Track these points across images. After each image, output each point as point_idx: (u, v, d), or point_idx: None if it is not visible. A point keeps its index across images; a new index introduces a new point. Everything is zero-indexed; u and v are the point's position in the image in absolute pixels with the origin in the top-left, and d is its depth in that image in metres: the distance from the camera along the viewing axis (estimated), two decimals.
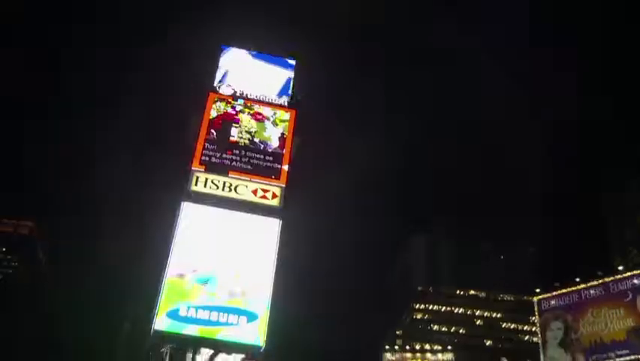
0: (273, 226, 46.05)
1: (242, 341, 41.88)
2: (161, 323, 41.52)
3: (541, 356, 58.42)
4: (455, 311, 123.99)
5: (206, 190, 45.77)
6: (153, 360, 42.50)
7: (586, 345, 55.69)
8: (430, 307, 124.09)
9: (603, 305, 56.77)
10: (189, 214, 45.01)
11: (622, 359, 51.63)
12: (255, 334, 42.10)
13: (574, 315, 58.08)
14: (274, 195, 47.09)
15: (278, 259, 45.60)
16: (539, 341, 60.08)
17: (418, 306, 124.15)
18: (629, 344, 52.87)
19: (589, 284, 58.97)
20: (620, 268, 61.62)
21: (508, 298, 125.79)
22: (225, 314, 42.33)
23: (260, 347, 42.13)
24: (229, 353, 42.28)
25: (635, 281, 56.68)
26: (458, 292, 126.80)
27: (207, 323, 41.93)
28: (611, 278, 58.24)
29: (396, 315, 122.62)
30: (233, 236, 45.27)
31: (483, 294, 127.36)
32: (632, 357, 51.76)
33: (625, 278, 57.35)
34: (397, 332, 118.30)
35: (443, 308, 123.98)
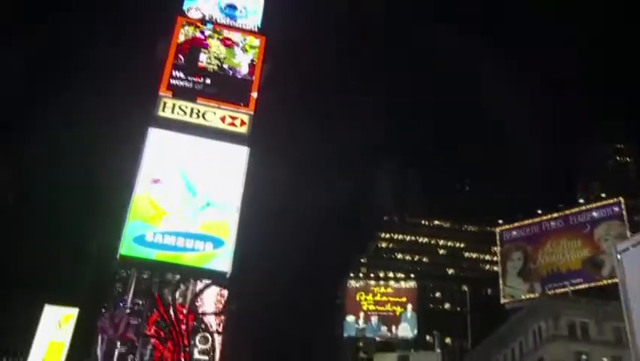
0: (240, 154, 45.98)
1: (207, 267, 42.28)
2: (127, 248, 41.67)
3: (501, 285, 60.17)
4: (419, 241, 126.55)
5: (174, 116, 45.28)
6: (119, 285, 42.78)
7: (543, 274, 57.43)
8: (395, 236, 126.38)
9: (562, 237, 58.33)
10: (156, 140, 44.65)
11: (576, 287, 53.43)
12: (221, 260, 42.50)
13: (534, 246, 59.65)
14: (242, 123, 46.83)
15: (245, 187, 45.75)
16: (499, 271, 61.79)
17: (383, 235, 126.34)
18: (583, 274, 54.67)
19: (550, 216, 60.39)
20: (581, 201, 63.12)
21: (472, 229, 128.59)
22: (192, 240, 42.54)
23: (225, 274, 42.62)
24: (195, 279, 42.71)
25: (594, 214, 58.17)
26: (423, 222, 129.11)
27: (173, 248, 42.15)
28: (571, 211, 59.66)
29: (361, 244, 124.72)
30: (201, 163, 45.15)
31: (447, 224, 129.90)
32: (586, 286, 53.58)
33: (584, 211, 58.82)
34: (362, 260, 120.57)
35: (408, 238, 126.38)
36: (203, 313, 42.37)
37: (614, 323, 42.22)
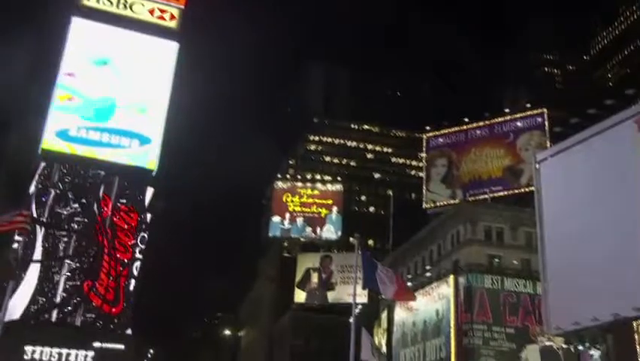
0: (169, 50, 44.71)
1: (133, 164, 41.74)
2: (50, 142, 40.57)
3: (424, 190, 61.73)
4: (348, 144, 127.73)
5: (99, 6, 43.38)
6: (42, 179, 41.82)
7: (465, 181, 59.13)
8: (324, 139, 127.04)
9: (486, 145, 59.82)
10: (79, 31, 42.74)
11: (495, 194, 55.35)
12: (147, 157, 42.00)
13: (458, 153, 61.07)
14: (172, 17, 45.28)
15: (174, 85, 44.75)
16: (424, 176, 63.25)
17: (311, 137, 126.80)
18: (503, 181, 56.55)
19: (475, 125, 61.64)
20: (507, 110, 64.41)
21: (400, 134, 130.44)
22: (117, 136, 41.74)
23: (151, 171, 42.22)
24: (120, 175, 42.18)
25: (518, 124, 59.61)
26: (352, 125, 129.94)
27: (98, 144, 41.33)
28: (496, 120, 60.98)
29: (290, 145, 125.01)
30: (127, 58, 43.71)
31: (376, 129, 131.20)
32: (504, 193, 55.56)
33: (509, 120, 60.18)
34: (290, 162, 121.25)
35: (336, 141, 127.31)
36: (128, 210, 42.17)
37: (527, 229, 44.26)
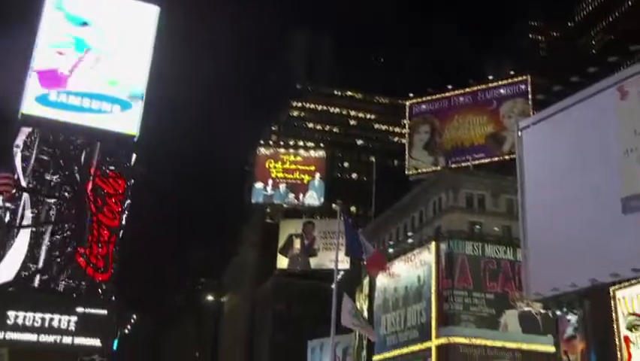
0: (150, 13, 44.05)
1: (114, 130, 41.37)
2: (29, 106, 40.05)
3: (406, 157, 61.86)
4: (331, 111, 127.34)
5: None
6: (24, 145, 41.35)
7: (448, 148, 59.30)
8: (307, 105, 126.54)
9: (469, 112, 59.88)
10: None
11: (478, 162, 55.58)
12: (128, 123, 41.60)
13: (441, 120, 61.11)
14: None
15: (156, 50, 44.19)
16: (406, 143, 63.31)
17: (295, 104, 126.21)
18: (485, 149, 56.78)
19: (459, 92, 61.61)
20: (491, 77, 64.32)
21: (383, 101, 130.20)
22: (98, 101, 41.27)
23: (133, 137, 41.88)
24: (101, 141, 41.78)
25: (502, 91, 59.64)
26: (335, 92, 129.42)
27: (79, 109, 40.87)
28: (480, 87, 60.96)
29: (272, 112, 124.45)
30: (108, 20, 43.02)
31: (359, 95, 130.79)
32: (487, 160, 55.82)
33: (492, 88, 60.18)
34: (273, 128, 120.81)
35: (319, 107, 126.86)
36: (115, 176, 41.93)
37: (508, 196, 44.61)
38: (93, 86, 41.59)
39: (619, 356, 21.59)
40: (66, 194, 41.31)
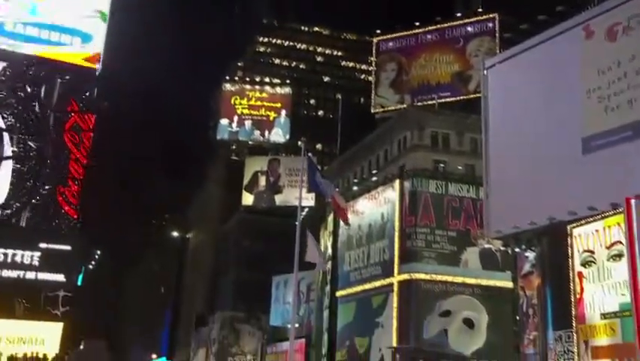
0: None
1: (75, 62, 40.36)
2: None
3: (373, 95, 61.75)
4: (297, 47, 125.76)
5: None
6: None
7: (414, 86, 59.30)
8: (273, 41, 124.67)
9: (436, 50, 59.71)
10: None
11: (443, 100, 55.78)
12: (89, 55, 40.61)
13: (408, 57, 60.86)
14: None
15: None
16: (373, 81, 63.07)
17: (261, 39, 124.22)
18: (451, 87, 56.93)
19: (426, 29, 61.21)
20: (459, 14, 63.91)
21: (350, 38, 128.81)
22: (57, 33, 40.12)
23: (94, 71, 40.97)
24: (61, 76, 40.80)
25: (469, 29, 59.45)
26: (302, 27, 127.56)
27: (37, 40, 39.67)
28: (448, 24, 60.63)
29: (238, 47, 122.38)
30: None
31: (326, 31, 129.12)
32: (452, 99, 56.04)
33: (460, 25, 59.90)
34: (238, 64, 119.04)
35: (286, 43, 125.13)
36: (73, 111, 41.14)
37: (473, 135, 44.96)
38: (52, 16, 40.35)
39: (572, 290, 22.25)
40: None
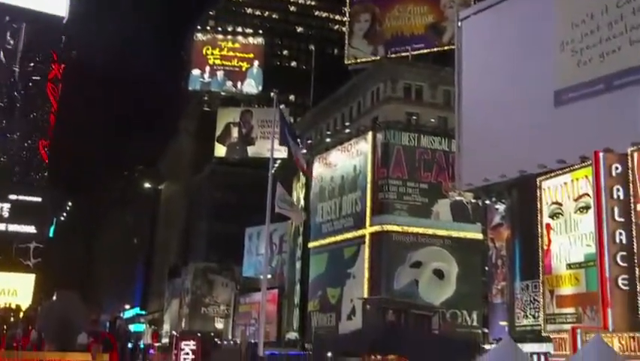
0: None
1: (40, 10, 39.30)
2: None
3: (346, 46, 61.12)
4: None
5: None
6: None
7: (388, 37, 58.67)
8: None
9: (410, 1, 59.00)
10: None
11: (417, 52, 55.37)
12: (56, 4, 39.55)
13: (382, 8, 60.06)
14: None
15: None
16: (346, 31, 62.35)
17: None
18: (425, 39, 56.44)
19: None
20: None
21: None
22: None
23: (62, 18, 39.94)
24: (27, 22, 39.77)
25: None
26: None
27: None
28: None
29: None
30: None
31: None
32: (426, 51, 55.63)
33: None
34: (210, 13, 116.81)
35: None
36: (52, 60, 40.28)
37: (446, 87, 44.83)
38: None
39: (540, 241, 22.66)
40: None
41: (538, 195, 22.94)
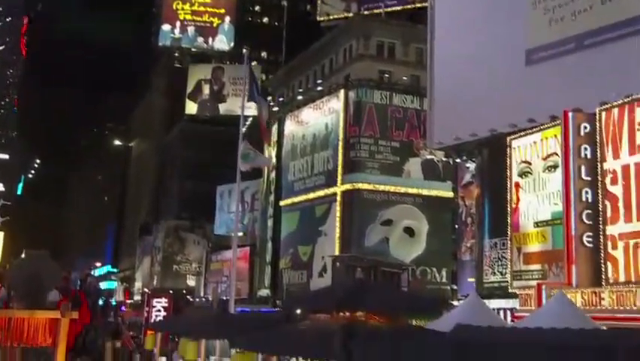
0: None
1: None
2: None
3: (318, 2, 60.45)
4: None
5: None
6: None
7: None
8: None
9: None
10: None
11: (390, 9, 54.94)
12: None
13: None
14: None
15: None
16: None
17: None
18: None
19: None
20: None
21: None
22: None
23: None
24: None
25: None
26: None
27: None
28: None
29: None
30: None
31: None
32: (399, 8, 55.22)
33: None
34: None
35: None
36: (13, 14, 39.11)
37: (418, 45, 44.65)
38: None
39: (509, 200, 22.94)
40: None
41: (508, 153, 23.13)
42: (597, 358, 6.15)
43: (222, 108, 71.92)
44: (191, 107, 74.00)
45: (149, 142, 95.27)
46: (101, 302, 46.13)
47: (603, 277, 18.44)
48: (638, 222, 18.01)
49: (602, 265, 18.56)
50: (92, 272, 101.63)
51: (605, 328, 11.72)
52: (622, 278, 18.10)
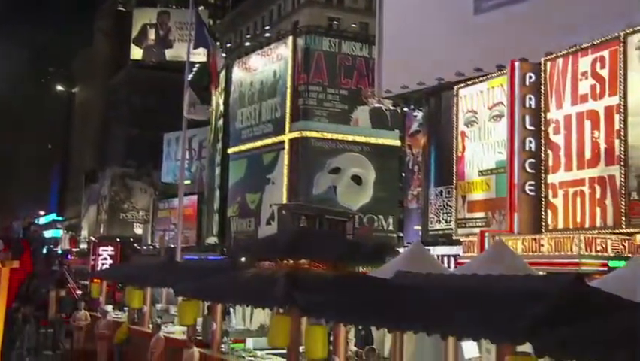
0: None
1: None
2: None
3: None
4: None
5: None
6: None
7: None
8: None
9: None
10: None
11: None
12: None
13: None
14: None
15: None
16: None
17: None
18: None
19: None
20: None
21: None
22: None
23: None
24: None
25: None
26: None
27: None
28: None
29: None
30: None
31: None
32: None
33: None
34: None
35: None
36: None
37: None
38: None
39: (455, 148, 23.18)
40: None
41: (455, 102, 23.26)
42: (520, 301, 6.41)
43: (169, 54, 70.30)
44: (137, 53, 72.15)
45: (93, 88, 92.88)
46: (44, 250, 45.38)
47: (543, 224, 18.93)
48: (579, 171, 18.45)
49: (543, 213, 19.02)
50: (37, 220, 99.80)
51: (542, 273, 12.06)
52: (560, 225, 18.61)
